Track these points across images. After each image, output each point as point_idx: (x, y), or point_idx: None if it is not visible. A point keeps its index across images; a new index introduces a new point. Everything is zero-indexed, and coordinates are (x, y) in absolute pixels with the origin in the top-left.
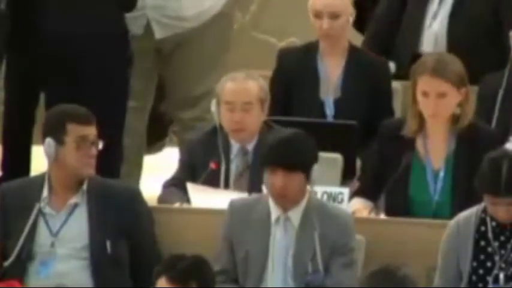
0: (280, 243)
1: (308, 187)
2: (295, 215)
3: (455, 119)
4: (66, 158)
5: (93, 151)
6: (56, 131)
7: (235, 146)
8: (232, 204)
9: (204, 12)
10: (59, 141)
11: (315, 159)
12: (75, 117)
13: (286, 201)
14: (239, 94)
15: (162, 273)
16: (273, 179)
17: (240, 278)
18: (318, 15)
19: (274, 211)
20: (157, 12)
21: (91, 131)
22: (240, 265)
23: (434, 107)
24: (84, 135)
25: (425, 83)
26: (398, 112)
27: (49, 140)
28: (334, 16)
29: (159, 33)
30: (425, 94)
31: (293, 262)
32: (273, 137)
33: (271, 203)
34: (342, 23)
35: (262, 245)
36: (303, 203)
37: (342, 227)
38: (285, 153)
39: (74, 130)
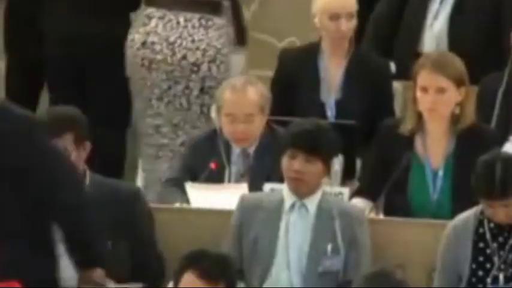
0: (296, 226)
1: (326, 179)
2: (311, 203)
3: (455, 120)
4: None
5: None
6: None
7: (236, 149)
8: (244, 196)
9: None
10: None
11: (336, 151)
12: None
13: (301, 187)
14: (240, 106)
15: (189, 269)
16: (292, 163)
17: (247, 263)
18: (334, 16)
19: (289, 198)
20: None
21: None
22: (248, 249)
23: (432, 102)
24: None
25: (424, 78)
26: (398, 112)
27: None
28: (350, 16)
29: None
30: (424, 89)
31: (309, 245)
32: (296, 123)
33: (285, 191)
34: (354, 22)
35: (273, 229)
36: (319, 194)
37: (359, 222)
38: (308, 139)
39: None
